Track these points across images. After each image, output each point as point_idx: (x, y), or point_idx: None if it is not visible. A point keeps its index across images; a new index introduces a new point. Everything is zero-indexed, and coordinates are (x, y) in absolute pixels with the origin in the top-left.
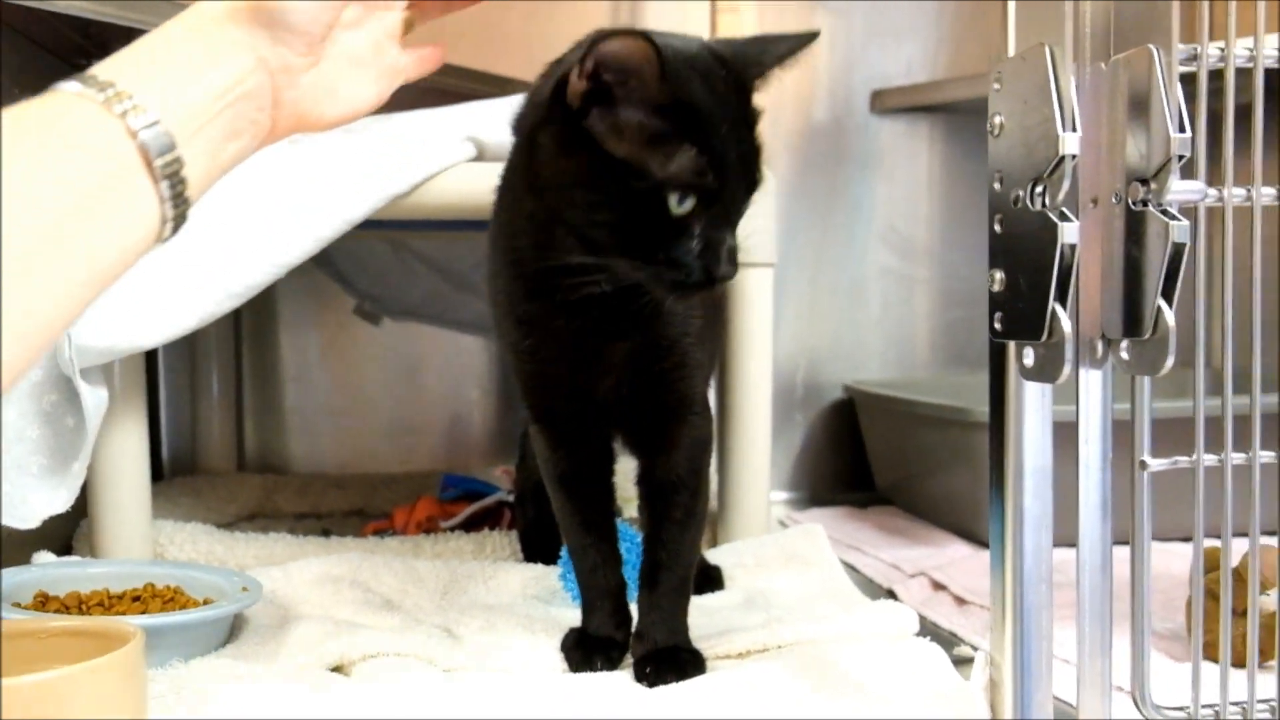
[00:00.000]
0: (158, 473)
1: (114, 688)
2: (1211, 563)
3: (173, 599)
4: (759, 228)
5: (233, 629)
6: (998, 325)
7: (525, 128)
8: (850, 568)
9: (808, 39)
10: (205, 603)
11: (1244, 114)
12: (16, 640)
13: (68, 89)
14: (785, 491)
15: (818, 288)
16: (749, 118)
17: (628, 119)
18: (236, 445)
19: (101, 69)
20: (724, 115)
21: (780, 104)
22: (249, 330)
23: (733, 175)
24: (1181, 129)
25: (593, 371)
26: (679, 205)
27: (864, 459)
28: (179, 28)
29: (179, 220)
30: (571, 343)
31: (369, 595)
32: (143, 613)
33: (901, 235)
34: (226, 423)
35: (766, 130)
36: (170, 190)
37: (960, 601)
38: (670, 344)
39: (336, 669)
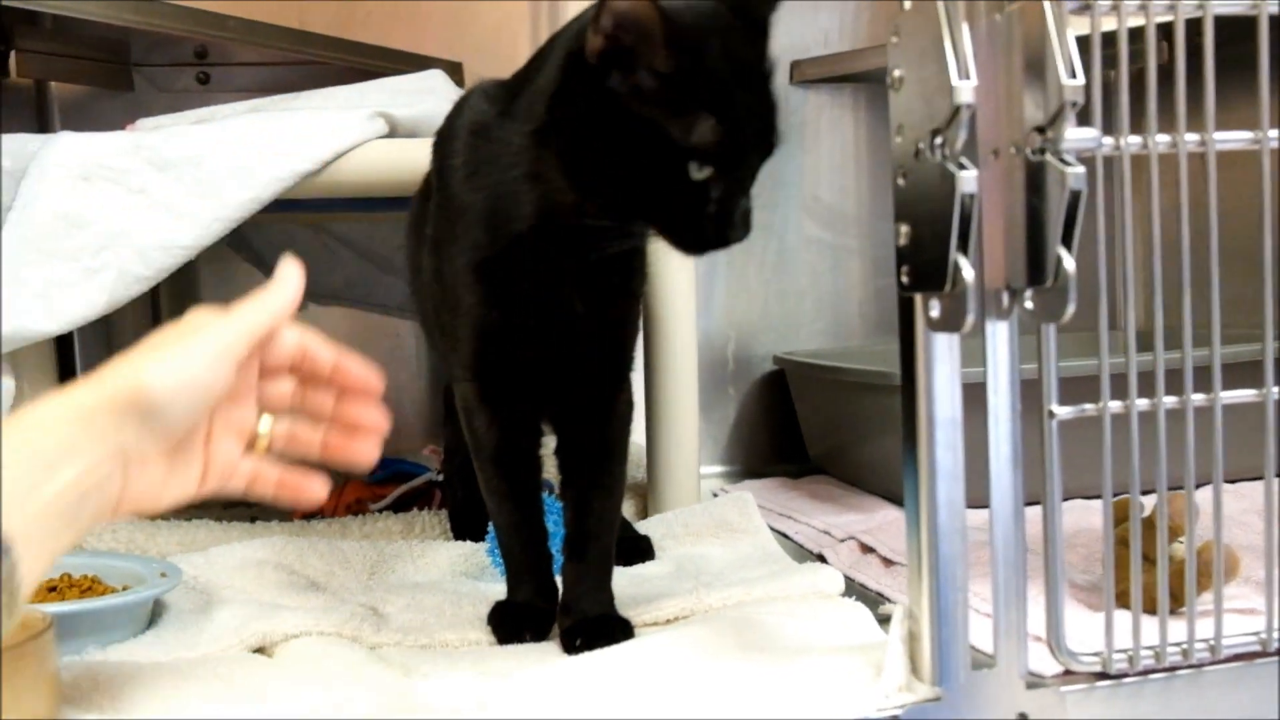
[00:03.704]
0: None
1: (25, 676)
2: (1123, 514)
3: (90, 588)
4: None
5: (153, 616)
6: (905, 279)
7: (545, 93)
8: (781, 535)
9: None
10: (123, 590)
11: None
12: None
13: None
14: (720, 465)
15: (746, 261)
16: (766, 71)
17: (645, 83)
18: None
19: None
20: (741, 79)
21: None
22: (168, 316)
23: (750, 142)
24: (1074, 75)
25: (556, 326)
26: (698, 171)
27: (797, 430)
28: (46, 414)
29: (9, 615)
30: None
31: (294, 577)
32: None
33: (826, 205)
34: None
35: None
36: (2, 590)
37: (888, 563)
38: (628, 303)
39: (259, 650)
